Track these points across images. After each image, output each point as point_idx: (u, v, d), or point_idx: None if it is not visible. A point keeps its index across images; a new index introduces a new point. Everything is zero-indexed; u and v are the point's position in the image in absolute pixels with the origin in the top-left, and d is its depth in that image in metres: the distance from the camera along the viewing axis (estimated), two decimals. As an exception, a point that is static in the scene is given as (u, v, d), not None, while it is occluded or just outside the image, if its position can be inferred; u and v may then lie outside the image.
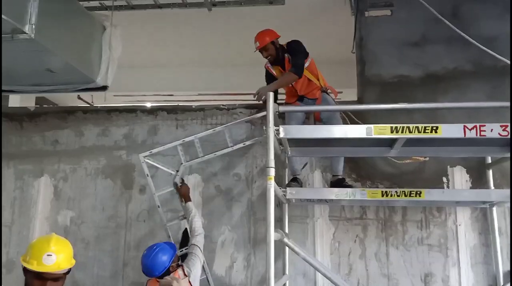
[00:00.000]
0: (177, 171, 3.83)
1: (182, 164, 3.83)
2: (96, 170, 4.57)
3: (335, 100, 4.03)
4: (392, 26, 4.50)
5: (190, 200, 3.73)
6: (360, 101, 4.43)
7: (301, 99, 3.89)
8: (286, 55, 3.82)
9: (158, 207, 3.83)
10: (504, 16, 4.33)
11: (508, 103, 2.90)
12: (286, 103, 3.96)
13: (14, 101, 5.65)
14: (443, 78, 4.27)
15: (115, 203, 4.45)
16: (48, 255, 2.13)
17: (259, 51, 3.84)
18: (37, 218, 4.51)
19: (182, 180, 3.84)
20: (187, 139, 3.79)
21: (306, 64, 3.80)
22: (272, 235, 2.68)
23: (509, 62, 2.56)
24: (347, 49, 4.57)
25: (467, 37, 2.91)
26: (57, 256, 2.15)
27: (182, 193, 3.75)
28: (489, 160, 3.83)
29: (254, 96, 3.69)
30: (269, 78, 3.97)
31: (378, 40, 4.51)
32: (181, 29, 5.72)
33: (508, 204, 3.72)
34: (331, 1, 4.68)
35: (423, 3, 2.88)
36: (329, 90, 3.95)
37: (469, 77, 4.17)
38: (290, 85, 3.82)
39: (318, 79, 3.89)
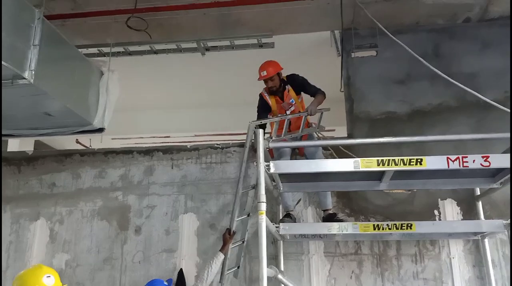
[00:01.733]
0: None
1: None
2: (92, 212, 4.60)
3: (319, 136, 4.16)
4: (378, 66, 4.70)
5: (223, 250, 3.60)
6: (350, 137, 4.55)
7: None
8: (286, 86, 3.99)
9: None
10: (483, 52, 4.55)
11: (490, 135, 3.01)
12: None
13: (13, 145, 5.78)
14: (429, 114, 4.43)
15: (110, 245, 4.45)
16: (47, 276, 2.18)
17: (264, 80, 3.97)
18: (32, 262, 4.48)
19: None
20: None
21: (299, 99, 3.96)
22: (265, 271, 2.69)
23: (486, 99, 2.67)
24: (336, 88, 4.73)
25: (445, 76, 3.03)
26: (54, 277, 2.21)
27: (226, 241, 3.63)
28: (478, 192, 3.90)
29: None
30: (263, 106, 4.07)
31: (365, 79, 4.69)
32: (176, 72, 5.95)
33: (500, 235, 3.75)
34: (317, 44, 4.92)
35: (404, 46, 3.01)
36: (314, 125, 4.09)
37: (453, 112, 4.32)
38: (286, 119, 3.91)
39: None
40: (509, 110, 2.63)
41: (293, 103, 4.02)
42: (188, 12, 4.45)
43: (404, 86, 4.57)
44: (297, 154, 4.13)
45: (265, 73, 3.94)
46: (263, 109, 4.06)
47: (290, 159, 3.99)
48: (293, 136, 3.93)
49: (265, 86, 4.07)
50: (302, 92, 4.10)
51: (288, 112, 3.97)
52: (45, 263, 4.46)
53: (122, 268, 4.33)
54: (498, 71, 4.44)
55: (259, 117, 3.96)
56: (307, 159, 3.93)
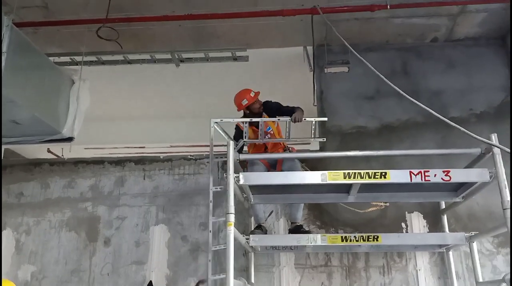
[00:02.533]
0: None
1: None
2: (60, 222, 4.51)
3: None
4: (349, 81, 4.82)
5: None
6: (322, 150, 4.63)
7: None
8: (263, 113, 3.95)
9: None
10: (449, 71, 4.75)
11: (452, 151, 3.14)
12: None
13: (-21, 154, 5.61)
14: (397, 129, 4.57)
15: (78, 256, 4.36)
16: None
17: (246, 108, 3.91)
18: (-5, 274, 4.35)
19: None
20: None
21: (275, 125, 4.00)
22: (232, 283, 2.70)
23: (443, 118, 2.79)
24: (309, 102, 4.82)
25: (404, 94, 3.13)
26: None
27: None
28: (443, 205, 4.02)
29: (293, 121, 3.68)
30: (239, 134, 3.94)
31: (337, 94, 4.81)
32: (151, 82, 5.94)
33: (464, 248, 3.87)
34: (291, 59, 5.03)
35: (367, 64, 3.12)
36: (290, 148, 4.10)
37: (420, 128, 4.46)
38: (261, 143, 3.91)
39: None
40: (465, 130, 2.74)
41: (270, 130, 3.98)
42: (163, 23, 4.48)
43: (374, 102, 4.70)
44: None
45: (245, 101, 3.89)
46: (239, 137, 3.89)
47: None
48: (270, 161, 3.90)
49: (240, 116, 4.01)
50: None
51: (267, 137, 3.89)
52: (10, 275, 4.36)
53: (90, 280, 4.25)
54: (462, 90, 4.64)
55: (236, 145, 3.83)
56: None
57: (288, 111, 3.87)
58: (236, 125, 4.09)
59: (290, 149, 4.11)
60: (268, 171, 3.98)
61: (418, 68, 4.79)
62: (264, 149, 3.98)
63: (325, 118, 4.13)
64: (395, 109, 4.59)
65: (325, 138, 4.00)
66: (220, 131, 3.64)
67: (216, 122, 3.46)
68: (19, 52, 3.46)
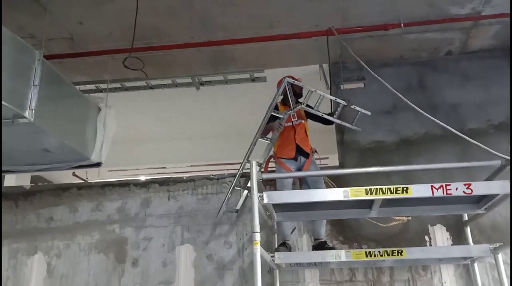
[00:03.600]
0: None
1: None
2: (89, 245, 4.64)
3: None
4: (366, 97, 4.89)
5: None
6: (341, 166, 4.70)
7: (295, 158, 4.05)
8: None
9: None
10: (464, 84, 4.79)
11: (472, 164, 3.18)
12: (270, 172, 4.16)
13: (10, 180, 5.84)
14: (415, 143, 4.61)
15: (108, 278, 4.47)
16: None
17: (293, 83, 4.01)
18: (29, 297, 4.49)
19: None
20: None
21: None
22: (261, 300, 2.77)
23: (458, 132, 2.86)
24: (327, 119, 4.92)
25: (416, 108, 3.21)
26: None
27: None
28: (466, 217, 4.02)
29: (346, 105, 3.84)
30: (272, 118, 4.02)
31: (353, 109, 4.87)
32: (172, 106, 6.13)
33: (489, 259, 3.86)
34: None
35: (381, 81, 3.21)
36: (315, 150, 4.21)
37: (439, 141, 4.48)
38: (291, 136, 4.05)
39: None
40: (481, 145, 2.79)
41: (299, 122, 4.16)
42: (183, 49, 4.66)
43: (392, 116, 4.76)
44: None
45: (298, 81, 4.06)
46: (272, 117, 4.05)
47: (293, 185, 4.11)
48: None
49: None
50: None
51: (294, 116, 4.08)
52: (43, 298, 4.49)
53: (120, 301, 4.35)
54: (479, 102, 4.67)
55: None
56: (308, 185, 4.04)
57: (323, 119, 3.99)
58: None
59: (315, 150, 4.19)
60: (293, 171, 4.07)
61: (434, 82, 4.85)
62: (294, 133, 4.07)
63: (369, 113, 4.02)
64: (413, 123, 4.63)
65: (360, 129, 4.02)
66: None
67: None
68: (49, 83, 3.61)
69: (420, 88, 4.86)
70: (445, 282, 3.97)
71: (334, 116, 3.87)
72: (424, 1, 4.15)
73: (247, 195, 4.25)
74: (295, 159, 4.06)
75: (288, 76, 4.24)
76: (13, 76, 3.26)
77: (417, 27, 4.35)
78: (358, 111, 3.77)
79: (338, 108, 3.82)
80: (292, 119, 4.16)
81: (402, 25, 4.00)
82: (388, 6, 4.13)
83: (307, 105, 3.91)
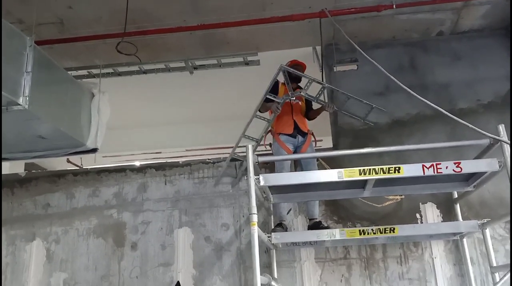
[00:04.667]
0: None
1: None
2: (87, 230, 4.70)
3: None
4: (359, 79, 4.94)
5: None
6: (335, 147, 4.78)
7: (294, 135, 4.14)
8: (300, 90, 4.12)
9: None
10: (455, 64, 4.85)
11: (460, 143, 3.27)
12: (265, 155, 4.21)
13: (4, 168, 5.81)
14: (407, 123, 4.70)
15: (107, 262, 4.55)
16: None
17: (295, 65, 4.19)
18: (29, 283, 4.55)
19: None
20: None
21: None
22: (259, 279, 2.85)
23: (447, 113, 2.93)
24: (321, 101, 4.96)
25: (407, 88, 3.27)
26: None
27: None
28: (456, 195, 4.14)
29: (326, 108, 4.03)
30: (273, 88, 4.10)
31: (347, 92, 4.90)
32: (166, 90, 6.12)
33: (478, 235, 4.00)
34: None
35: (373, 62, 3.26)
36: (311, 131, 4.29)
37: (430, 121, 4.57)
38: (289, 113, 4.15)
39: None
40: (469, 124, 2.87)
41: (296, 101, 4.25)
42: (175, 33, 4.63)
43: (384, 97, 4.81)
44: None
45: (302, 67, 4.24)
46: (271, 90, 4.10)
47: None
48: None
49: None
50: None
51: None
52: (43, 283, 4.56)
53: (120, 284, 4.44)
54: (469, 81, 4.75)
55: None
56: (301, 166, 4.15)
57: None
58: (276, 81, 4.14)
59: (312, 132, 4.28)
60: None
61: (425, 62, 4.91)
62: (292, 110, 4.16)
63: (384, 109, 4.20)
64: (405, 104, 4.70)
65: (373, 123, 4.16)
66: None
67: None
68: (42, 69, 3.58)
69: (411, 68, 4.92)
70: (435, 257, 4.12)
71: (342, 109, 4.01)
72: (415, -19, 4.17)
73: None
74: (293, 136, 4.13)
75: (292, 61, 4.27)
76: (5, 63, 3.23)
77: (409, 8, 4.36)
78: (372, 106, 3.86)
79: (346, 100, 3.89)
80: (290, 98, 4.20)
81: (394, 6, 4.02)
82: (380, -13, 4.15)
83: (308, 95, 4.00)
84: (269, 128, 4.16)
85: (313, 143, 4.29)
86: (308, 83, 3.82)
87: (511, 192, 2.78)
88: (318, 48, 5.07)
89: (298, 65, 4.27)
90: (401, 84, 3.00)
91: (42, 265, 4.64)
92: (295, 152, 4.13)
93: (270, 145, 4.22)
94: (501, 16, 4.67)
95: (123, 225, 4.66)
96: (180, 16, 4.53)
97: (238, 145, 4.05)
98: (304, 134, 4.18)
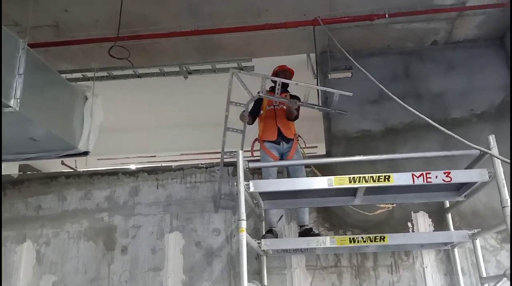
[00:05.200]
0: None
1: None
2: (78, 233, 4.69)
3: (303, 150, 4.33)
4: (353, 86, 4.87)
5: None
6: (328, 155, 4.78)
7: (277, 142, 4.14)
8: (285, 95, 4.21)
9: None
10: (449, 73, 4.87)
11: (450, 153, 3.27)
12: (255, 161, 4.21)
13: (-3, 169, 5.79)
14: (401, 131, 4.70)
15: (97, 265, 4.53)
16: None
17: (283, 71, 4.27)
18: (19, 285, 4.52)
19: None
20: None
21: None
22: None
23: (435, 124, 2.93)
24: (315, 108, 4.97)
25: (396, 99, 3.26)
26: None
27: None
28: (447, 204, 4.14)
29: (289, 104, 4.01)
30: (257, 104, 4.27)
31: (341, 99, 4.89)
32: (160, 93, 6.11)
33: (469, 245, 3.99)
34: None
35: (365, 72, 3.26)
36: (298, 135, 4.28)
37: (423, 130, 4.55)
38: (273, 119, 4.19)
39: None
40: (458, 137, 2.87)
41: (280, 107, 4.27)
42: (170, 38, 4.64)
43: (378, 105, 4.82)
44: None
45: (289, 73, 4.29)
46: (255, 103, 4.26)
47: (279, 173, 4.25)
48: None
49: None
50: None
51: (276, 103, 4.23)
52: (32, 285, 4.53)
53: (109, 288, 4.42)
54: (463, 91, 4.76)
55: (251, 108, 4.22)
56: (290, 173, 4.14)
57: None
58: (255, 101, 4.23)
59: (299, 135, 4.27)
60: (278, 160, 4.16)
61: (419, 71, 4.92)
62: (275, 117, 4.18)
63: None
64: (398, 112, 4.64)
65: (347, 111, 4.08)
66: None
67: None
68: (35, 72, 3.57)
69: (406, 77, 4.93)
70: (426, 267, 4.10)
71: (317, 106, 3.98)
72: (410, -10, 4.19)
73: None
74: (277, 142, 4.13)
75: (281, 66, 4.30)
76: (-3, 66, 3.23)
77: (403, 17, 4.38)
78: (336, 94, 3.83)
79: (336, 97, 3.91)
80: (274, 104, 4.22)
81: (387, 15, 4.04)
82: (374, -4, 4.17)
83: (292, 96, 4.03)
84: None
85: (300, 148, 4.25)
86: (263, 82, 3.82)
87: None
88: (312, 55, 5.08)
89: (286, 71, 4.30)
90: (391, 94, 3.02)
91: (32, 267, 4.62)
92: (281, 159, 4.13)
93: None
94: (495, 26, 4.70)
95: (114, 228, 4.64)
96: (175, 21, 4.54)
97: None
98: (288, 140, 4.17)
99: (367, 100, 4.87)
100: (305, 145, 4.24)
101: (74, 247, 4.63)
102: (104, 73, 5.09)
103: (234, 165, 4.39)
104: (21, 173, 6.13)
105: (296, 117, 4.22)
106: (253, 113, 4.31)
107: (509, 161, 2.69)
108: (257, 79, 3.90)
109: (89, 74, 5.08)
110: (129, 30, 4.49)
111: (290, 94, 4.30)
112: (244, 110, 4.03)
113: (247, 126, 4.14)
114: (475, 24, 4.68)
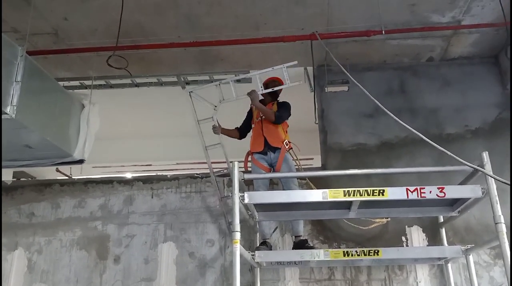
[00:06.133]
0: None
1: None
2: (71, 241, 4.65)
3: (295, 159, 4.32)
4: (349, 100, 4.99)
5: None
6: (324, 167, 4.79)
7: (264, 152, 4.13)
8: (272, 103, 4.29)
9: None
10: (443, 89, 4.93)
11: (444, 168, 3.29)
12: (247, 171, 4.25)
13: (-8, 176, 5.76)
14: (396, 146, 4.73)
15: (89, 274, 4.48)
16: None
17: (272, 81, 4.31)
18: (9, 293, 4.48)
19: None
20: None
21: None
22: (239, 298, 2.83)
23: (428, 140, 2.95)
24: (311, 120, 4.98)
25: (391, 114, 3.29)
26: None
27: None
28: (441, 219, 4.15)
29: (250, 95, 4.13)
30: (249, 115, 4.43)
31: (337, 112, 4.97)
32: (157, 102, 6.13)
33: (462, 260, 3.99)
34: (292, 80, 5.22)
35: (360, 87, 3.30)
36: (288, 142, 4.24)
37: (418, 144, 4.56)
38: (259, 130, 4.20)
39: (285, 132, 4.24)
40: (451, 154, 2.90)
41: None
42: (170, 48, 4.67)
43: (373, 119, 4.86)
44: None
45: (276, 83, 4.28)
46: (246, 118, 4.46)
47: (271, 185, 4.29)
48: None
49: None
50: None
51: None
52: (23, 293, 4.48)
53: (101, 298, 4.37)
54: (458, 107, 4.81)
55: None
56: (282, 185, 4.12)
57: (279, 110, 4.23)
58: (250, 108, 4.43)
59: (289, 142, 4.23)
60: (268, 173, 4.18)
61: (415, 87, 4.97)
62: (262, 127, 4.22)
63: (295, 62, 4.09)
64: (394, 126, 4.67)
65: (301, 81, 4.12)
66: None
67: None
68: (32, 79, 3.59)
69: (401, 92, 4.99)
70: (420, 282, 4.09)
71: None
72: (406, 8, 4.25)
73: None
74: (264, 153, 4.13)
75: (270, 77, 4.33)
76: (-6, 73, 3.24)
77: (399, 34, 4.44)
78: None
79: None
80: (261, 115, 4.26)
81: (383, 31, 4.09)
82: (371, 12, 4.22)
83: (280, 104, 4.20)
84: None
85: (289, 156, 4.18)
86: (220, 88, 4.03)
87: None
88: (310, 69, 5.13)
89: (275, 81, 4.31)
90: (385, 109, 3.03)
91: (23, 275, 4.56)
92: (272, 168, 4.14)
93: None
94: (490, 44, 4.77)
95: (107, 237, 4.61)
96: (174, 32, 4.57)
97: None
98: (275, 149, 4.11)
99: (363, 114, 4.91)
100: (297, 157, 4.21)
101: (66, 256, 4.59)
102: (102, 82, 5.11)
103: (228, 175, 4.42)
104: (15, 179, 6.10)
105: (280, 117, 4.16)
106: (245, 128, 4.42)
107: (500, 178, 2.71)
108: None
109: (87, 82, 5.09)
110: (128, 39, 4.51)
111: (278, 102, 4.32)
112: (213, 124, 4.20)
113: (235, 138, 4.37)
114: (470, 42, 4.76)
